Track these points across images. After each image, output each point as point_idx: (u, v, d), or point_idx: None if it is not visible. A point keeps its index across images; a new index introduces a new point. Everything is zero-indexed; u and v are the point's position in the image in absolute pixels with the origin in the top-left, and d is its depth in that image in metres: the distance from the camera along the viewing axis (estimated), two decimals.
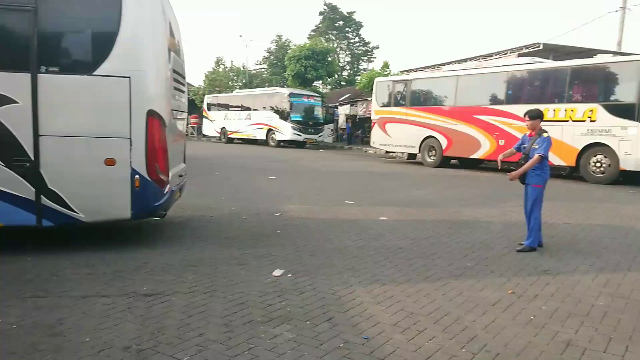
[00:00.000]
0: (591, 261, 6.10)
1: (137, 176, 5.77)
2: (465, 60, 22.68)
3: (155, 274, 5.22)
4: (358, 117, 34.61)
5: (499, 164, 7.09)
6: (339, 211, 9.03)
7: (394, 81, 21.40)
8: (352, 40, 59.62)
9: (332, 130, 34.65)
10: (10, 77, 5.52)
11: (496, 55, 22.39)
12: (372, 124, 21.78)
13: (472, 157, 17.63)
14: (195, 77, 55.23)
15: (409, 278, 5.29)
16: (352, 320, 4.12)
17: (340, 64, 54.78)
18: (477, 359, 3.53)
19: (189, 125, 36.67)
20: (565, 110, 14.75)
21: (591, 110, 14.25)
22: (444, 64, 23.32)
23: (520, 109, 13.99)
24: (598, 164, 14.24)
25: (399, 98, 20.40)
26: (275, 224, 7.85)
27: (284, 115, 28.36)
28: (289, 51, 41.18)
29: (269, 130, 29.36)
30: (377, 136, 21.17)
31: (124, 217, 5.98)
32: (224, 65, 47.06)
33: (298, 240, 6.81)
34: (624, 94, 13.89)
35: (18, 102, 5.48)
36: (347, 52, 59.70)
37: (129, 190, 5.78)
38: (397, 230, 7.55)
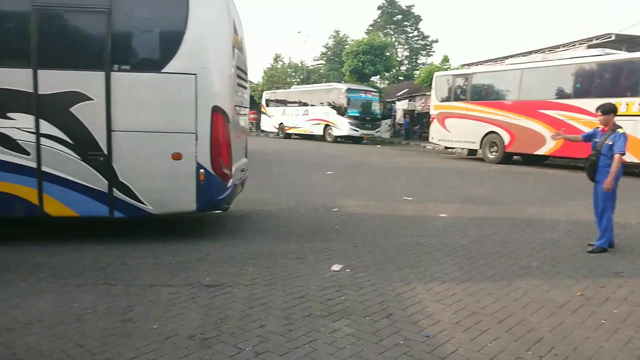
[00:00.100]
0: None
1: (202, 170, 5.94)
2: (530, 52, 21.84)
3: (217, 266, 5.36)
4: (416, 112, 34.08)
5: (558, 136, 6.74)
6: (397, 207, 8.94)
7: (454, 75, 20.90)
8: (410, 35, 58.70)
9: (389, 125, 34.36)
10: (86, 75, 5.82)
11: (564, 47, 21.42)
12: (430, 119, 21.38)
13: (536, 153, 16.97)
14: (254, 73, 56.21)
15: (470, 277, 5.17)
16: (412, 318, 4.07)
17: (398, 59, 54.05)
18: None
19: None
20: None
21: None
22: (507, 57, 22.54)
23: (589, 103, 13.35)
24: None
25: (459, 92, 19.92)
26: (333, 219, 7.87)
27: (341, 111, 28.33)
28: (346, 46, 41.13)
29: (326, 126, 29.43)
30: (436, 131, 20.77)
31: (190, 210, 6.18)
32: (282, 61, 47.67)
33: (356, 235, 6.80)
34: None
35: (93, 99, 5.77)
36: (406, 47, 58.84)
37: (194, 184, 5.96)
38: (457, 228, 7.39)
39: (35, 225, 6.71)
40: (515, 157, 18.46)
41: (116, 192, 5.93)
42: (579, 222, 7.90)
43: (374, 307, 4.28)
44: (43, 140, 5.77)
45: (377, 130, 29.36)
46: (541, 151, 16.72)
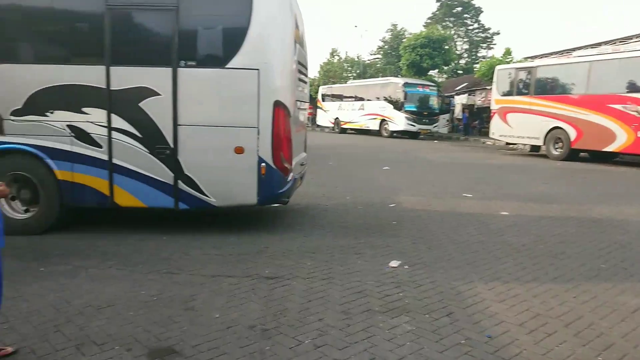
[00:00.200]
0: None
1: (263, 164, 6.04)
2: (599, 44, 20.77)
3: (276, 259, 5.43)
4: (476, 106, 33.18)
5: None
6: (456, 204, 8.75)
7: (516, 69, 20.18)
8: (470, 27, 57.12)
9: (447, 120, 33.64)
10: (154, 71, 6.04)
11: (636, 37, 20.21)
12: (491, 114, 20.75)
13: (605, 150, 16.13)
14: (311, 68, 56.37)
15: (534, 277, 4.99)
16: (473, 317, 3.98)
17: (458, 52, 52.75)
18: None
19: None
20: None
21: None
22: (573, 49, 21.56)
23: None
24: None
25: (521, 86, 19.22)
26: (390, 214, 7.80)
27: (397, 106, 28.01)
28: (404, 40, 40.61)
29: (382, 121, 29.18)
30: (496, 127, 20.14)
31: (251, 203, 6.30)
32: (338, 56, 47.62)
33: (414, 232, 6.71)
34: None
35: (160, 95, 5.98)
36: (465, 40, 57.32)
37: (255, 177, 6.07)
38: (519, 226, 7.15)
39: (104, 214, 7.04)
40: (581, 154, 17.64)
41: (181, 185, 6.12)
42: None
43: (433, 304, 4.21)
44: (114, 134, 6.04)
45: (434, 125, 28.83)
46: (611, 148, 15.88)
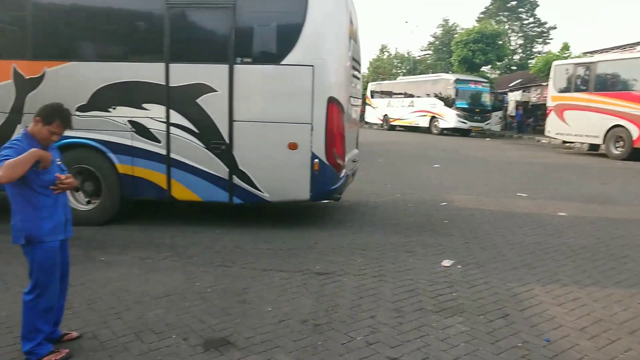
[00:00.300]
0: None
1: (316, 160, 6.06)
2: None
3: (326, 255, 5.45)
4: (530, 103, 32.12)
5: None
6: (510, 203, 8.51)
7: (575, 64, 19.37)
8: (525, 21, 55.24)
9: (500, 117, 32.69)
10: (211, 68, 6.16)
11: None
12: (547, 111, 20.01)
13: None
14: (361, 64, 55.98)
15: (595, 281, 4.78)
16: (530, 320, 3.86)
17: (512, 47, 51.19)
18: None
19: None
20: None
21: None
22: (636, 44, 20.49)
23: None
24: None
25: (580, 83, 18.44)
26: (441, 213, 7.68)
27: (448, 102, 27.44)
28: (455, 35, 39.75)
29: (432, 118, 28.67)
30: (553, 124, 19.41)
31: (303, 199, 6.34)
32: (388, 52, 47.19)
33: (467, 231, 6.57)
34: None
35: (217, 91, 6.10)
36: (520, 34, 55.49)
37: (308, 173, 6.10)
38: (578, 228, 6.88)
39: (159, 207, 7.26)
40: None
41: (235, 179, 6.22)
42: None
43: (488, 306, 4.11)
44: (172, 129, 6.21)
45: (486, 122, 28.08)
46: None
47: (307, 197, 6.25)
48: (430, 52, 53.93)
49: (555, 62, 20.64)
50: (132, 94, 6.23)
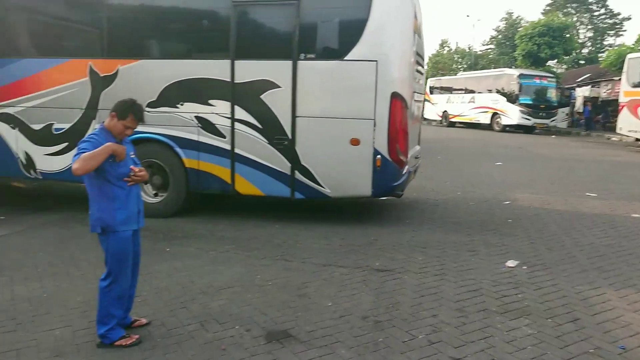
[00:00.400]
0: None
1: (378, 156, 6.02)
2: None
3: (386, 251, 5.41)
4: (600, 99, 30.55)
5: None
6: (579, 203, 8.13)
7: None
8: (595, 13, 52.51)
9: (566, 114, 31.26)
10: (275, 64, 6.24)
11: None
12: (619, 107, 18.98)
13: None
14: None
15: None
16: (603, 326, 3.67)
17: (580, 40, 48.82)
18: None
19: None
20: None
21: None
22: None
23: None
24: None
25: None
26: (505, 212, 7.44)
27: (511, 98, 26.54)
28: (520, 29, 38.35)
29: (494, 114, 27.83)
30: (625, 121, 18.38)
31: (365, 195, 6.31)
32: (448, 47, 46.22)
33: (532, 231, 6.34)
34: None
35: (280, 87, 6.17)
36: (589, 27, 52.79)
37: (370, 169, 6.07)
38: None
39: (222, 201, 7.44)
40: None
41: (297, 175, 6.28)
42: None
43: (556, 309, 3.95)
44: (237, 125, 6.34)
45: (552, 119, 26.96)
46: None
47: (369, 194, 6.22)
48: (492, 46, 52.34)
49: (629, 55, 19.52)
50: (199, 90, 6.40)
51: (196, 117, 6.43)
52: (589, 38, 53.01)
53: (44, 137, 6.89)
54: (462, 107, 30.55)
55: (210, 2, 6.69)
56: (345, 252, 5.39)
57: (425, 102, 35.40)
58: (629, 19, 52.11)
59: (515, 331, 3.56)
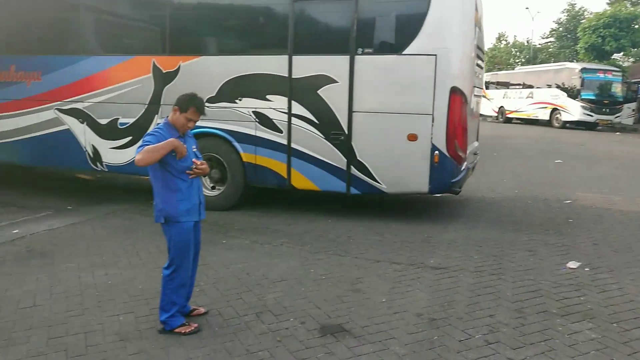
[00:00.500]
0: None
1: (436, 152, 5.94)
2: None
3: (440, 249, 5.33)
4: None
5: None
6: None
7: None
8: None
9: (633, 110, 29.71)
10: (332, 59, 6.25)
11: None
12: None
13: None
14: None
15: None
16: None
17: None
18: None
19: None
20: None
21: None
22: None
23: None
24: None
25: None
26: (565, 211, 7.17)
27: (572, 93, 25.44)
28: (582, 21, 36.67)
29: (554, 110, 26.77)
30: None
31: (422, 191, 6.24)
32: (506, 40, 44.81)
33: (595, 232, 6.08)
34: None
35: (337, 82, 6.17)
36: None
37: (428, 165, 5.99)
38: None
39: (276, 195, 7.54)
40: None
41: (353, 170, 6.27)
42: None
43: (622, 313, 3.78)
44: (293, 120, 6.40)
45: (616, 115, 25.66)
46: None
47: (426, 190, 6.14)
48: (552, 39, 50.29)
49: None
50: (257, 85, 6.50)
51: (254, 112, 6.54)
52: None
53: (109, 131, 7.21)
54: (520, 103, 29.57)
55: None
56: (398, 248, 5.35)
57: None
58: None
59: (577, 335, 3.44)
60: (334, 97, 6.19)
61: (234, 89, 6.57)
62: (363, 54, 6.08)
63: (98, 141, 7.29)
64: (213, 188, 6.93)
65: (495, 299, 4.03)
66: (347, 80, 6.10)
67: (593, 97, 25.13)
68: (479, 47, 6.81)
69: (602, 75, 26.04)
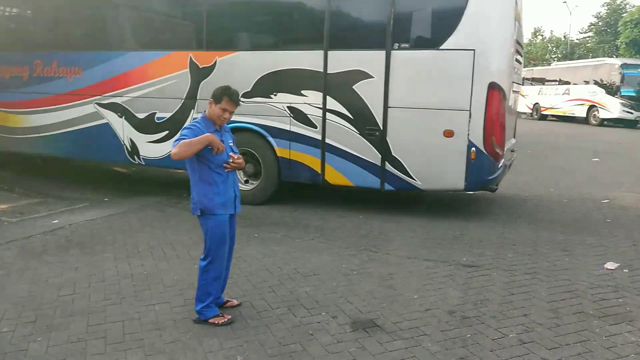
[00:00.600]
0: None
1: (473, 149, 5.86)
2: None
3: (473, 247, 5.27)
4: None
5: None
6: None
7: None
8: None
9: None
10: (368, 55, 6.22)
11: None
12: None
13: None
14: None
15: None
16: None
17: None
18: None
19: None
20: None
21: None
22: None
23: None
24: None
25: None
26: (603, 211, 6.98)
27: (611, 90, 24.69)
28: (624, 15, 35.55)
29: (591, 107, 26.04)
30: None
31: (457, 188, 6.18)
32: (542, 35, 43.77)
33: (635, 232, 5.91)
34: None
35: (373, 77, 6.14)
36: None
37: (464, 162, 5.92)
38: None
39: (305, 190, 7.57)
40: None
41: (388, 166, 6.24)
42: None
43: None
44: (328, 115, 6.40)
45: None
46: None
47: (462, 187, 6.07)
48: (591, 34, 48.93)
49: None
50: (292, 81, 6.52)
51: (288, 107, 6.57)
52: None
53: (147, 125, 7.36)
54: (555, 99, 28.86)
55: None
56: (430, 245, 5.32)
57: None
58: None
59: (615, 337, 3.36)
60: (369, 92, 6.16)
61: (269, 84, 6.61)
62: (399, 49, 6.03)
63: (136, 135, 7.46)
64: (246, 182, 6.99)
65: (529, 299, 3.97)
66: (383, 75, 6.06)
67: (634, 94, 24.33)
68: (518, 42, 6.67)
69: None
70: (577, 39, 48.06)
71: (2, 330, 3.43)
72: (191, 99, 7.02)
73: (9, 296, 3.97)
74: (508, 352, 3.16)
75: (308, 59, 6.41)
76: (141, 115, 7.37)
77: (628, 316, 3.68)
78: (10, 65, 8.38)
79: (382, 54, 6.05)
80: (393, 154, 6.18)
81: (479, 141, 5.83)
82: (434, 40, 5.97)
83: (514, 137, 7.74)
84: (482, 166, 5.92)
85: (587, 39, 48.54)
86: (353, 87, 6.20)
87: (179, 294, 4.03)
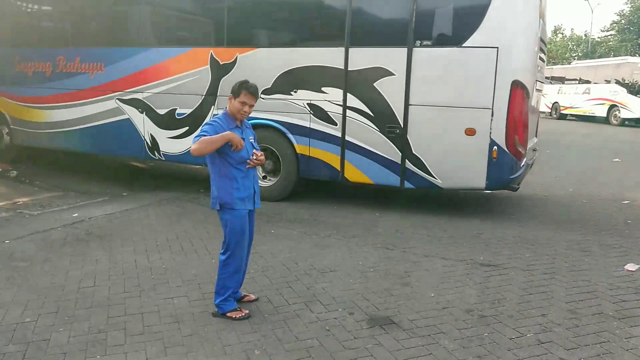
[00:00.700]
0: None
1: (495, 147, 5.81)
2: None
3: (490, 246, 5.25)
4: None
5: None
6: None
7: None
8: None
9: None
10: (389, 52, 6.19)
11: None
12: None
13: None
14: None
15: None
16: None
17: None
18: None
19: None
20: None
21: None
22: None
23: None
24: None
25: None
26: (623, 212, 6.89)
27: (633, 89, 24.31)
28: None
29: (612, 107, 25.64)
30: None
31: (478, 187, 6.13)
32: (562, 34, 43.17)
33: None
34: None
35: (394, 74, 6.11)
36: None
37: (485, 160, 5.87)
38: None
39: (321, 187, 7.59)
40: None
41: (408, 164, 6.21)
42: None
43: None
44: (348, 112, 6.39)
45: None
46: None
47: (483, 186, 6.02)
48: (613, 32, 48.13)
49: None
50: (312, 78, 6.51)
51: (308, 104, 6.57)
52: None
53: (167, 121, 7.43)
54: (575, 99, 28.47)
55: None
56: (447, 244, 5.30)
57: None
58: None
59: (635, 339, 3.32)
60: (390, 89, 6.13)
61: (289, 81, 6.62)
62: (421, 46, 6.00)
63: (156, 131, 7.53)
64: (264, 178, 7.01)
65: (547, 299, 3.94)
66: (404, 72, 6.03)
67: None
68: (542, 40, 6.58)
69: None
70: (598, 37, 47.32)
71: (26, 320, 3.50)
72: (211, 95, 7.07)
73: (31, 287, 4.06)
74: (526, 351, 3.15)
75: (329, 56, 6.40)
76: (162, 111, 7.44)
77: None
78: (33, 61, 8.52)
79: (403, 51, 6.01)
80: (413, 152, 6.15)
81: (501, 140, 5.78)
82: (457, 37, 5.90)
83: (536, 136, 7.65)
84: (504, 165, 5.87)
85: (609, 37, 47.77)
86: (374, 84, 6.18)
87: (197, 287, 4.08)
